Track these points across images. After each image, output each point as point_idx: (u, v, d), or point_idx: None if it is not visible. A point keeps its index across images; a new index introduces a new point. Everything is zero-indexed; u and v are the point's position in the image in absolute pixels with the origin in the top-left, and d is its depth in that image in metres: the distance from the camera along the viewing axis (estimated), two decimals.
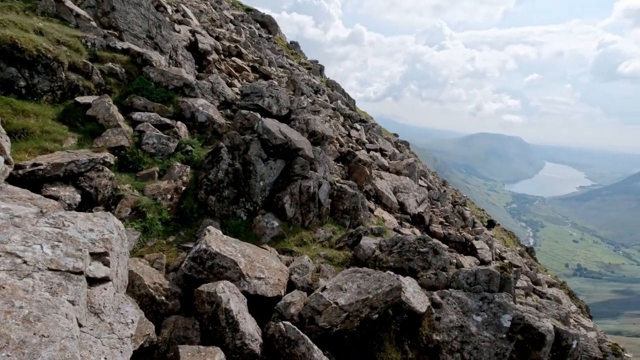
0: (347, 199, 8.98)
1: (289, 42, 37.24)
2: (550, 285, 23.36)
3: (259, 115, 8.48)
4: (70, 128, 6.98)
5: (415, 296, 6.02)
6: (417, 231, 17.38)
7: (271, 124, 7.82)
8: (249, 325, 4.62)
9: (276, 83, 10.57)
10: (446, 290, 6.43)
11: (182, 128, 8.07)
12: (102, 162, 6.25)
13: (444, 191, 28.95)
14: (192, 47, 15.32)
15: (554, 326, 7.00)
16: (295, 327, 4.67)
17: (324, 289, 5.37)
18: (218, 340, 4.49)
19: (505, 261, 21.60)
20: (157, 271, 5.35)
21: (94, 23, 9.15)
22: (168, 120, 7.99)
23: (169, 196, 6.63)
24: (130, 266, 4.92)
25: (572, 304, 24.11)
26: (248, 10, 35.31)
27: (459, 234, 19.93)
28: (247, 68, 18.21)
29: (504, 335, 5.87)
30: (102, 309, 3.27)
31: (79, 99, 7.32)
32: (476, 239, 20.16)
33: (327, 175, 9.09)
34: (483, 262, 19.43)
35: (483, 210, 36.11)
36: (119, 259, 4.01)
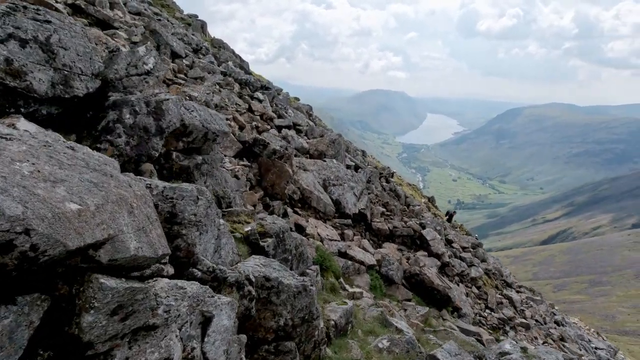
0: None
1: None
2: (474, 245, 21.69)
3: None
4: None
5: None
6: (366, 243, 12.81)
7: None
8: None
9: (57, 14, 4.02)
10: None
11: None
12: None
13: (367, 164, 25.00)
14: None
15: None
16: None
17: None
18: None
19: (455, 245, 18.80)
20: None
21: None
22: None
23: None
24: None
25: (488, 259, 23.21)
26: None
27: (405, 226, 16.05)
28: (56, 5, 10.31)
29: None
30: None
31: None
32: (423, 227, 16.65)
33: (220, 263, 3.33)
34: (437, 256, 16.11)
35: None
36: None
